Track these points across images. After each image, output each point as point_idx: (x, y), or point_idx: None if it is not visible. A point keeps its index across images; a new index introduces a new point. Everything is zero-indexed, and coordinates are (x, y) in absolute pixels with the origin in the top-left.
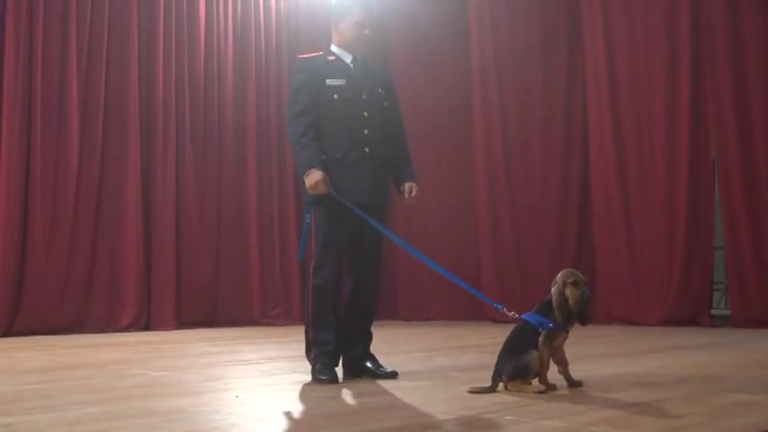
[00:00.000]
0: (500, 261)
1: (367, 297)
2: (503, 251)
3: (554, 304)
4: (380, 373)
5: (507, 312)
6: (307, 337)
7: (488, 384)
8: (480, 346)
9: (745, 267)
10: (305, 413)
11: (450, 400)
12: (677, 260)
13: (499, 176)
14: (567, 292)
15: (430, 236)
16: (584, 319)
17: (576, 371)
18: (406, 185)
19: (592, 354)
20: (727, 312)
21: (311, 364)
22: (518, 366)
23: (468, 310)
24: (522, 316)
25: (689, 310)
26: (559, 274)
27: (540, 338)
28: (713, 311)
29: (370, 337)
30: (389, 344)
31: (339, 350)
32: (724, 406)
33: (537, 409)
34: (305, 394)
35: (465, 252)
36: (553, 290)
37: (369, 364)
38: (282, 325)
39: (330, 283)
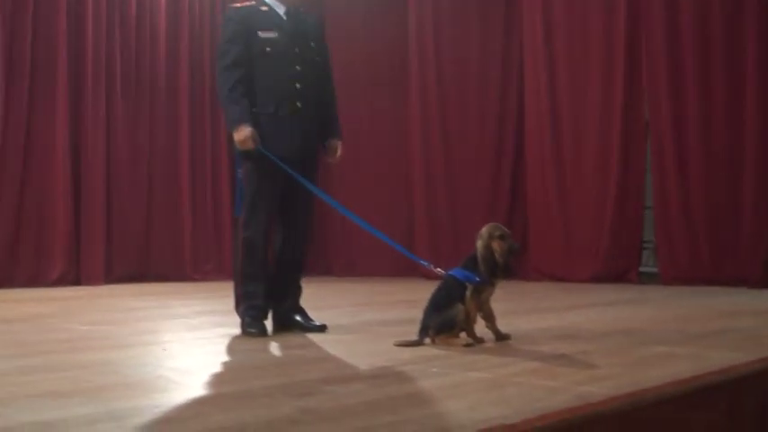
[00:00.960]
0: (433, 218)
1: (296, 250)
2: (436, 208)
3: (479, 258)
4: (309, 327)
5: (433, 269)
6: (236, 291)
7: (415, 338)
8: (409, 301)
9: (673, 227)
10: (232, 365)
11: (376, 353)
12: (608, 218)
13: (434, 132)
14: (494, 245)
15: (363, 192)
16: (510, 272)
17: (502, 325)
18: (332, 143)
19: (519, 309)
20: (655, 270)
21: (240, 317)
22: (444, 320)
23: (400, 267)
24: (449, 272)
25: (618, 268)
26: (484, 228)
27: (468, 293)
28: (642, 269)
29: (299, 290)
30: (320, 299)
31: (268, 304)
32: (644, 357)
33: (463, 362)
34: (233, 347)
35: (398, 209)
36: (478, 244)
37: (298, 318)
38: (214, 280)
39: (259, 236)
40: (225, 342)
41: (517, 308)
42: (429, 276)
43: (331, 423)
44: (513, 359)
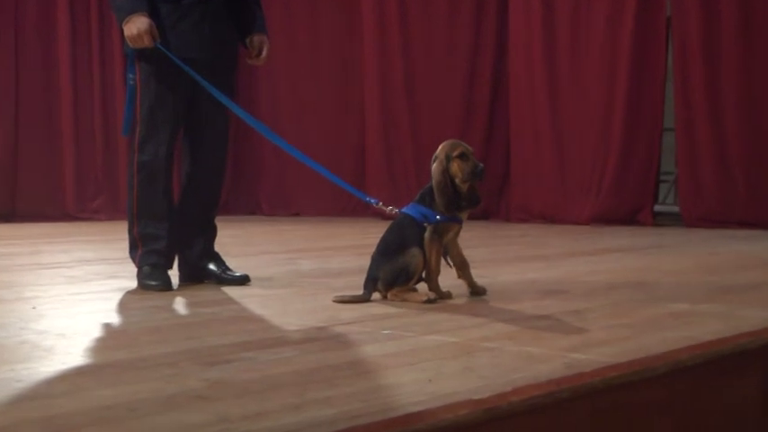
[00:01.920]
0: (391, 146)
1: (209, 180)
2: (394, 134)
3: (435, 188)
4: (227, 278)
5: (384, 207)
6: (131, 231)
7: (360, 293)
8: (358, 246)
9: (700, 155)
10: (124, 327)
11: (311, 312)
12: (614, 143)
13: (393, 43)
14: (454, 167)
15: (304, 114)
16: (476, 201)
17: (479, 277)
18: (255, 39)
19: (501, 257)
20: (676, 209)
21: (137, 266)
22: (397, 269)
23: (348, 205)
24: (402, 210)
25: (628, 206)
26: (440, 147)
27: (426, 234)
28: (658, 208)
29: (213, 231)
30: (245, 243)
31: (173, 248)
32: (656, 317)
33: (421, 322)
34: (126, 304)
35: (347, 137)
36: (433, 168)
37: (212, 267)
38: (106, 220)
39: (160, 160)
40: (116, 298)
41: (498, 255)
42: (385, 217)
43: (247, 398)
44: (487, 319)
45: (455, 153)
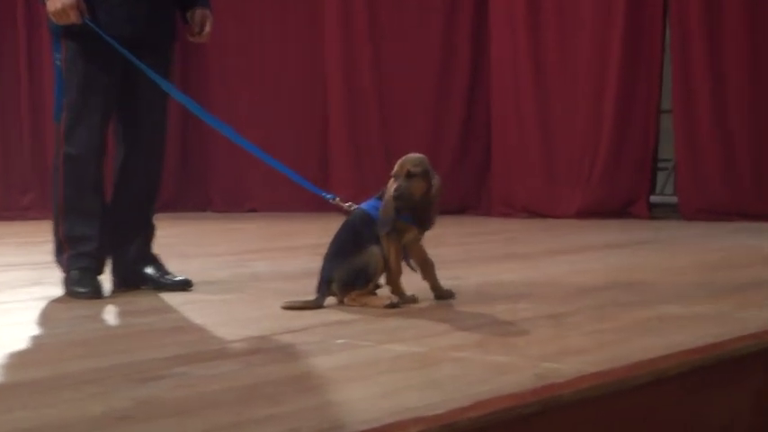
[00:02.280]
0: (359, 139)
1: (146, 173)
2: (362, 125)
3: (383, 203)
4: (166, 283)
5: (341, 203)
6: (56, 232)
7: (313, 298)
8: (316, 246)
9: (701, 139)
10: (47, 340)
11: (257, 321)
12: (606, 127)
13: (359, 23)
14: (389, 183)
15: (262, 103)
16: (424, 223)
17: (446, 279)
18: (197, 14)
19: (475, 256)
20: (674, 200)
21: (64, 271)
22: (354, 270)
23: (308, 200)
24: (360, 205)
25: (620, 197)
26: (397, 163)
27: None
28: (654, 199)
29: (151, 231)
30: (191, 243)
31: (105, 251)
32: (644, 321)
33: (381, 329)
34: (51, 314)
35: (311, 127)
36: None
37: (149, 271)
38: (37, 218)
39: (90, 151)
40: (40, 308)
41: (471, 254)
42: (344, 214)
43: (179, 419)
44: (455, 326)
45: (393, 171)
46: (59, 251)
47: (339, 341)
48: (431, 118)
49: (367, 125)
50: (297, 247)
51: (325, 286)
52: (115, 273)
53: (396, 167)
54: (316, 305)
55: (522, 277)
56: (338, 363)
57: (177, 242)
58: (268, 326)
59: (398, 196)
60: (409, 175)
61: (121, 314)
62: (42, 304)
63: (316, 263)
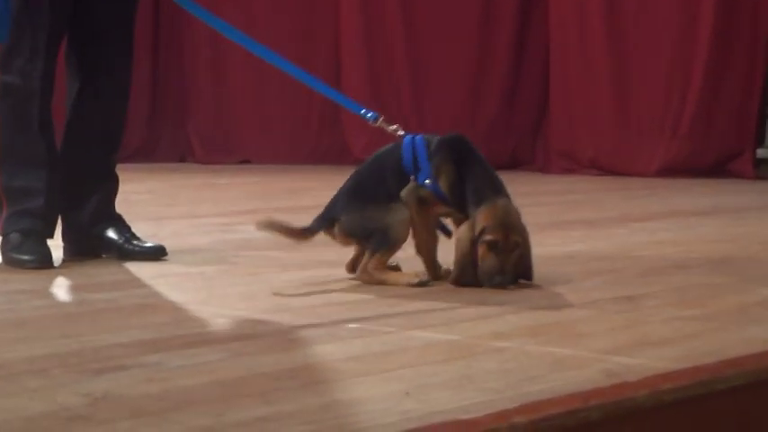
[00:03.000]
0: (378, 64)
1: (106, 111)
2: (385, 47)
3: (454, 263)
4: (132, 250)
5: (386, 126)
6: None
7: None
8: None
9: None
10: None
11: (248, 298)
12: (698, 65)
13: None
14: (480, 253)
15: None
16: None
17: None
18: None
19: (530, 222)
20: None
21: (1, 233)
22: (368, 223)
23: (311, 148)
24: (408, 136)
25: (716, 152)
26: (485, 210)
27: (405, 193)
28: (762, 153)
29: (113, 185)
30: (166, 203)
31: (54, 208)
32: (740, 307)
33: (404, 312)
34: None
35: (318, 46)
36: (463, 229)
37: (111, 234)
38: None
39: (33, 81)
40: None
41: (525, 218)
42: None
43: (144, 420)
44: (501, 309)
45: (489, 236)
46: None
47: (351, 326)
48: (471, 47)
49: (387, 47)
50: (299, 208)
51: (324, 222)
52: (67, 237)
53: (486, 218)
54: (302, 236)
55: (589, 250)
56: (349, 352)
57: (148, 200)
58: (260, 305)
59: (499, 282)
60: (496, 247)
61: (74, 289)
62: None
63: None
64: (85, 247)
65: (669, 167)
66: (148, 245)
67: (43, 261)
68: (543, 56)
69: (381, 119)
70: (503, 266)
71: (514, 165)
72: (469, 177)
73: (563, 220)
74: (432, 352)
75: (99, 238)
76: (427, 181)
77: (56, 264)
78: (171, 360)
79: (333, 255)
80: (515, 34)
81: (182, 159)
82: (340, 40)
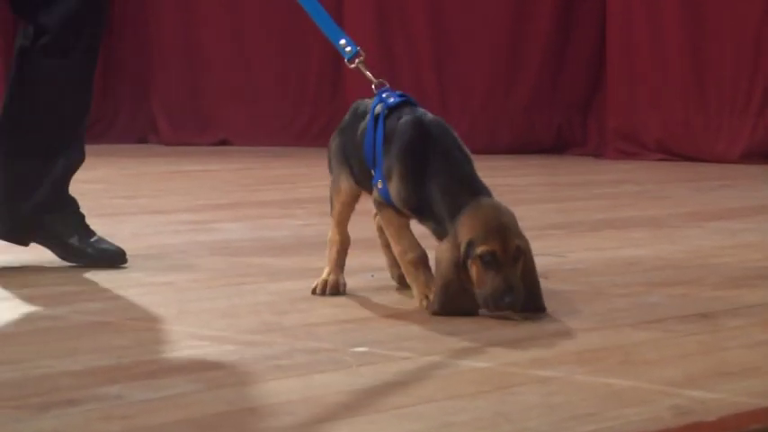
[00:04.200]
0: (391, 17)
1: (70, 61)
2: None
3: (435, 293)
4: (84, 252)
5: (363, 67)
6: None
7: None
8: (321, 200)
9: None
10: None
11: (227, 314)
12: None
13: None
14: (472, 273)
15: None
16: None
17: (537, 248)
18: None
19: (578, 219)
20: None
21: None
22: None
23: (302, 127)
24: (378, 102)
25: None
26: (444, 245)
27: (375, 195)
28: None
29: (72, 162)
30: (124, 192)
31: None
32: None
33: (421, 333)
34: None
35: None
36: (443, 248)
37: (61, 228)
38: None
39: None
40: None
41: (575, 216)
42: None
43: None
44: (539, 329)
45: (481, 249)
46: None
47: (357, 349)
48: (509, 3)
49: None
50: (291, 202)
51: None
52: (5, 223)
53: (469, 230)
54: None
55: (653, 254)
56: (356, 383)
57: (101, 191)
58: (244, 323)
59: (510, 303)
60: (493, 261)
61: (11, 301)
62: None
63: (320, 225)
64: (24, 236)
65: (755, 152)
66: (105, 246)
67: None
68: (598, 13)
69: (360, 59)
70: (509, 282)
71: (560, 147)
72: (434, 178)
73: (621, 216)
74: (458, 383)
75: (45, 231)
76: (378, 183)
77: None
78: (134, 393)
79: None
80: (559, 28)
81: (142, 140)
82: None
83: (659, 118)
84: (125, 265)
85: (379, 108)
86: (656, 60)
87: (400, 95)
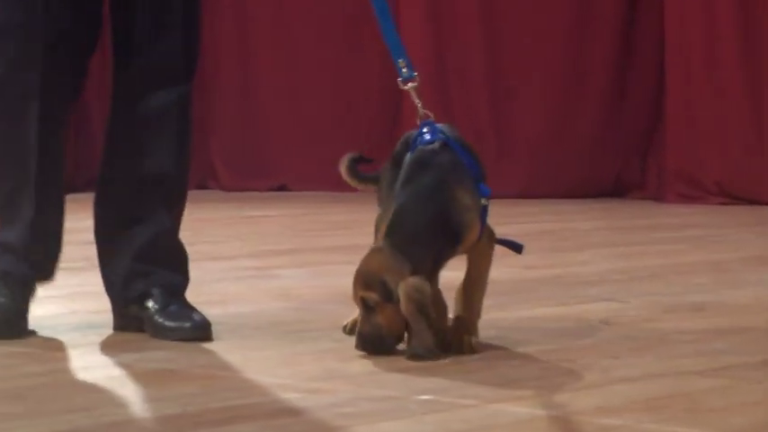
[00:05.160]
0: (448, 65)
1: (161, 95)
2: (457, 43)
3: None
4: (163, 326)
5: (410, 89)
6: None
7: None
8: None
9: None
10: None
11: (292, 361)
12: None
13: None
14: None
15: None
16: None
17: (595, 302)
18: None
19: (639, 264)
20: None
21: None
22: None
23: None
24: (439, 129)
25: None
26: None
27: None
28: None
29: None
30: (184, 240)
31: (46, 242)
32: None
33: (482, 379)
34: None
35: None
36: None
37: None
38: None
39: (30, 50)
40: None
41: (635, 261)
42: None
43: None
44: (605, 375)
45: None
46: None
47: (422, 397)
48: (565, 46)
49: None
50: (353, 248)
51: None
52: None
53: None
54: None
55: (717, 300)
56: (422, 431)
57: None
58: (308, 371)
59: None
60: (367, 308)
61: (78, 348)
62: None
63: None
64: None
65: None
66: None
67: (5, 325)
68: (656, 56)
69: (413, 84)
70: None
71: (620, 191)
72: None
73: (683, 261)
74: (523, 431)
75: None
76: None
77: (36, 329)
78: None
79: None
80: (620, 31)
81: (202, 185)
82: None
83: (719, 160)
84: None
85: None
86: (716, 100)
87: (440, 130)
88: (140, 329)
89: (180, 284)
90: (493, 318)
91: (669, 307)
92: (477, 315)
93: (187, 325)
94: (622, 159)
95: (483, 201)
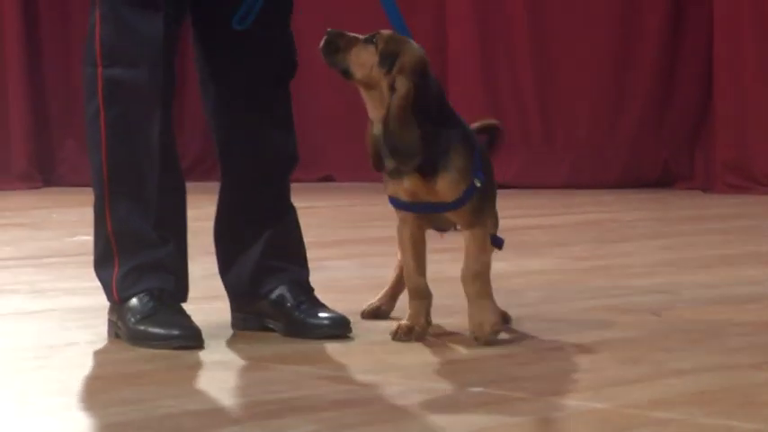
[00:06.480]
0: (496, 57)
1: (271, 106)
2: (505, 38)
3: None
4: (304, 322)
5: None
6: (101, 223)
7: None
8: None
9: None
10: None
11: (344, 353)
12: None
13: None
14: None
15: None
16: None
17: (646, 294)
18: None
19: (689, 255)
20: None
21: (115, 297)
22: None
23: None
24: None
25: None
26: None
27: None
28: None
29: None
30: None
31: (185, 258)
32: None
33: (533, 372)
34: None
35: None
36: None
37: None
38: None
39: (153, 72)
40: (64, 364)
41: (685, 252)
42: None
43: None
44: (658, 368)
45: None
46: (104, 259)
47: (473, 389)
48: (613, 32)
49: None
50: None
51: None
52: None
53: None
54: None
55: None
56: (473, 424)
57: (209, 229)
58: (360, 363)
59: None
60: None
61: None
62: (73, 354)
63: (433, 263)
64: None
65: None
66: (326, 315)
67: (194, 337)
68: (705, 45)
69: None
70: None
71: (668, 181)
72: None
73: (733, 253)
74: (576, 424)
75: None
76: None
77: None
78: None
79: (450, 299)
80: (668, 16)
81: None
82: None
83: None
84: (350, 336)
85: None
86: (765, 92)
87: None
88: (263, 327)
89: (307, 279)
90: (543, 310)
91: (720, 299)
92: (486, 300)
93: (326, 322)
94: (670, 149)
95: (476, 181)
